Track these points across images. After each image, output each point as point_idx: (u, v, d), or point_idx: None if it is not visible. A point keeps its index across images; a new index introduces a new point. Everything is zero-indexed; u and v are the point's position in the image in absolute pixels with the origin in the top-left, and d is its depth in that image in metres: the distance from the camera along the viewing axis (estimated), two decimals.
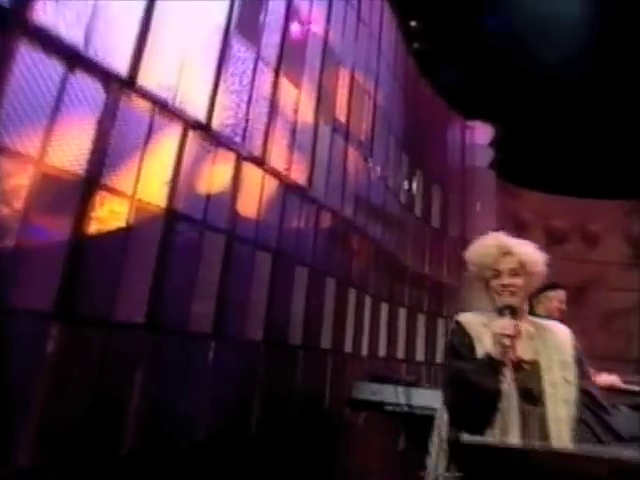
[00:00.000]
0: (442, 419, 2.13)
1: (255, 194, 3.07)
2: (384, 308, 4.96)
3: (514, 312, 1.74)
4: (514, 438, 1.64)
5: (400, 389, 2.89)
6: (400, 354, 5.17)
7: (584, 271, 7.61)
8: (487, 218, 6.89)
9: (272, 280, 3.15)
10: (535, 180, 7.77)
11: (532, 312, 3.28)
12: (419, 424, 3.00)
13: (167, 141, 2.51)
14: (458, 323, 2.03)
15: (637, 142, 7.13)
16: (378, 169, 4.62)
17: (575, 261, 7.61)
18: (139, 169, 2.33)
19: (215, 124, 2.82)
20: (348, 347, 4.04)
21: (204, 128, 2.76)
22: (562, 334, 1.83)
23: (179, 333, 2.56)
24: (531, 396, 1.69)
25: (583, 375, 1.71)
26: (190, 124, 2.67)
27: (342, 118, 4.19)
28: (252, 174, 3.09)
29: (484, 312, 2.03)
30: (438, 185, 6.16)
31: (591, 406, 1.72)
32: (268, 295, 3.08)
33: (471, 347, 1.85)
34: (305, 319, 3.41)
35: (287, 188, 3.43)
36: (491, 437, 1.69)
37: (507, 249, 1.91)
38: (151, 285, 2.40)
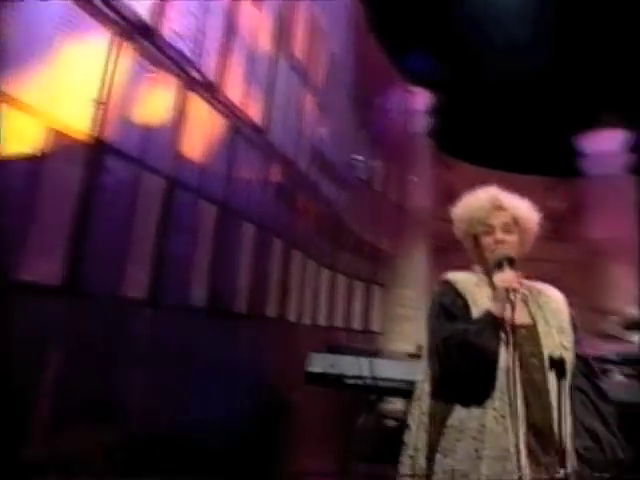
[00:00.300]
0: (423, 390, 1.88)
1: (202, 130, 2.53)
2: (325, 274, 4.68)
3: (513, 264, 1.57)
4: (519, 408, 1.49)
5: (363, 360, 2.63)
6: (339, 323, 4.96)
7: None
8: (423, 187, 6.81)
9: (216, 237, 2.69)
10: (466, 152, 7.84)
11: None
12: (384, 397, 2.80)
13: (95, 45, 1.91)
14: (447, 282, 1.75)
15: (563, 120, 7.41)
16: (331, 122, 4.23)
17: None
18: (54, 77, 1.73)
19: (161, 30, 2.22)
20: (293, 316, 3.72)
21: (146, 34, 2.16)
22: (557, 298, 1.71)
23: (105, 299, 2.04)
24: (531, 363, 1.54)
25: (578, 341, 1.59)
26: (128, 27, 2.07)
27: (301, 57, 3.70)
28: (201, 105, 2.55)
29: (472, 272, 1.76)
30: (381, 148, 5.92)
31: (585, 372, 1.62)
32: (212, 255, 2.63)
33: (466, 308, 1.65)
34: (251, 284, 3.01)
35: (240, 127, 2.93)
36: (491, 409, 1.51)
37: (500, 203, 1.73)
38: (69, 236, 1.86)
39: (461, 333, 1.53)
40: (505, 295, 1.54)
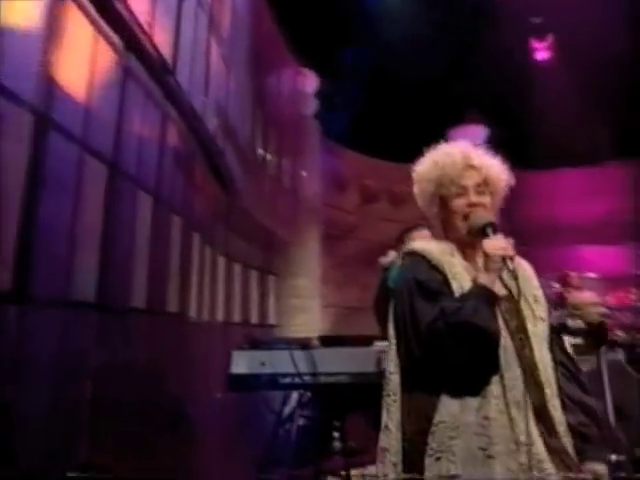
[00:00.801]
0: (395, 383, 1.58)
1: (86, 56, 1.84)
2: (221, 263, 4.12)
3: (496, 230, 1.43)
4: (517, 393, 1.34)
5: (299, 354, 2.20)
6: (237, 317, 4.43)
7: (392, 230, 8.03)
8: (315, 173, 6.57)
9: (108, 206, 2.01)
10: (351, 140, 7.81)
11: None
12: (329, 395, 2.41)
13: None
14: (417, 254, 1.55)
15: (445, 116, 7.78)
16: (234, 84, 3.65)
17: (386, 220, 7.99)
18: None
19: None
20: (193, 310, 3.12)
21: None
22: (525, 265, 1.60)
23: None
24: (518, 338, 1.41)
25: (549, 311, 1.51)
26: None
27: None
28: (81, 20, 1.79)
29: (440, 241, 1.59)
30: (274, 128, 5.50)
31: (559, 343, 1.56)
32: (102, 231, 1.95)
33: (446, 284, 1.47)
34: (149, 271, 2.36)
35: (137, 66, 2.24)
36: (492, 398, 1.35)
37: (473, 161, 1.57)
38: None
39: (453, 314, 1.32)
40: (500, 264, 1.36)
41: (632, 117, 6.90)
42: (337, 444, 2.71)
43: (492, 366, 1.34)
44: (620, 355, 2.79)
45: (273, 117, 5.60)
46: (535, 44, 8.95)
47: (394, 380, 1.53)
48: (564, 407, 1.41)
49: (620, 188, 7.37)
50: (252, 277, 5.03)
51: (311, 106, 6.93)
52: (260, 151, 4.80)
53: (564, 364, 1.55)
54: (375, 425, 1.54)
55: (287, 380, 2.11)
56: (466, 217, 1.49)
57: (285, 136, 5.88)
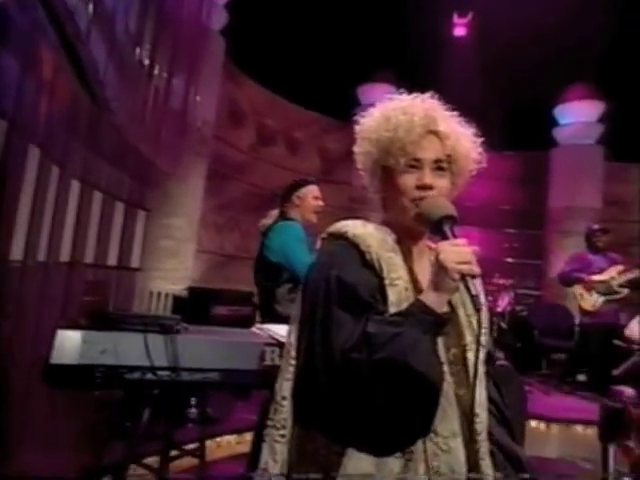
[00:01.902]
0: (287, 413, 1.18)
1: None
2: (75, 188, 3.22)
3: (454, 225, 1.07)
4: (454, 457, 1.03)
5: (155, 339, 1.60)
6: (89, 257, 3.58)
7: (282, 177, 7.49)
8: (210, 98, 5.65)
9: None
10: (259, 71, 6.95)
11: (286, 218, 2.50)
12: (186, 398, 1.83)
13: None
14: (344, 238, 1.14)
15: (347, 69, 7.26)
16: None
17: (278, 166, 7.42)
18: None
19: None
20: (19, 250, 2.27)
21: None
22: None
23: None
24: (457, 370, 1.10)
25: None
26: None
27: None
28: None
29: (377, 226, 1.19)
30: (169, 35, 4.44)
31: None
32: None
33: (381, 292, 1.08)
34: None
35: None
36: (420, 459, 1.00)
37: (438, 126, 1.18)
38: None
39: (383, 345, 0.94)
40: (458, 284, 1.00)
41: (532, 108, 7.13)
42: (193, 411, 2.30)
43: (424, 419, 1.00)
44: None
45: (170, 21, 4.54)
46: (456, 20, 8.83)
47: (286, 408, 1.09)
48: (493, 459, 1.09)
49: (508, 177, 7.72)
50: (117, 210, 4.14)
51: (220, 19, 5.88)
52: (145, 59, 3.80)
53: (495, 402, 1.21)
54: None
55: (135, 376, 1.53)
56: (415, 202, 1.11)
57: (181, 48, 4.85)
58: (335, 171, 7.88)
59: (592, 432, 4.12)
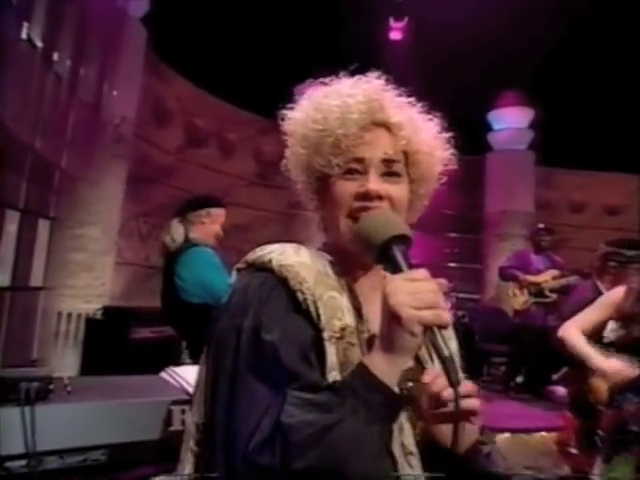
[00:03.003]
0: None
1: None
2: None
3: (408, 248, 0.77)
4: None
5: (5, 414, 1.13)
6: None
7: (216, 182, 7.01)
8: (130, 91, 5.06)
9: None
10: (188, 67, 6.42)
11: (190, 241, 2.15)
12: None
13: None
14: (269, 270, 0.82)
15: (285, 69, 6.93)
16: None
17: (210, 170, 6.91)
18: None
19: None
20: None
21: None
22: None
23: None
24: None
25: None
26: None
27: None
28: None
29: (312, 250, 0.89)
30: (72, 15, 3.85)
31: None
32: None
33: (317, 347, 0.76)
34: None
35: None
36: None
37: (386, 113, 0.88)
38: None
39: (301, 448, 0.64)
40: (419, 340, 0.69)
41: (469, 113, 7.13)
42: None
43: None
44: None
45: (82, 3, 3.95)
46: (392, 23, 8.80)
47: None
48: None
49: (448, 181, 7.66)
50: (11, 220, 3.51)
51: (141, 6, 5.30)
52: (37, 40, 3.20)
53: None
54: None
55: (16, 466, 1.05)
56: (353, 217, 0.84)
57: (90, 33, 4.25)
58: (272, 175, 7.46)
59: (537, 440, 4.09)
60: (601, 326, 2.27)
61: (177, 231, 2.32)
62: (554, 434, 3.49)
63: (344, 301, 0.78)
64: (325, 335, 0.73)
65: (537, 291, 4.98)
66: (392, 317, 0.65)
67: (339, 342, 0.74)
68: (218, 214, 2.41)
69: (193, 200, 2.42)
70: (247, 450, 0.65)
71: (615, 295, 2.24)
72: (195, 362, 1.96)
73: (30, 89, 3.03)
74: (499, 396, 5.21)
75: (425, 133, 0.88)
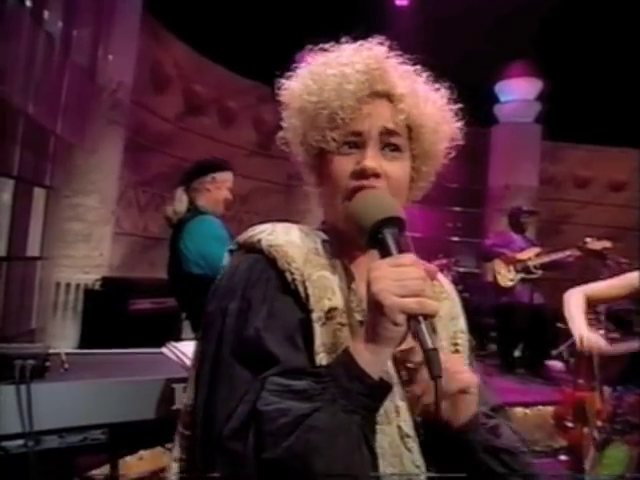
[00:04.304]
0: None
1: None
2: None
3: (402, 232, 0.72)
4: None
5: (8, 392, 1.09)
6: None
7: (214, 151, 6.85)
8: (126, 55, 4.88)
9: None
10: (187, 31, 6.20)
11: (196, 208, 2.08)
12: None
13: None
14: (257, 250, 0.79)
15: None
16: None
17: (209, 138, 6.76)
18: None
19: None
20: None
21: None
22: (449, 289, 0.97)
23: None
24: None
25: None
26: None
27: None
28: None
29: (304, 228, 0.85)
30: None
31: None
32: None
33: (305, 329, 0.73)
34: None
35: None
36: None
37: (383, 83, 0.81)
38: None
39: (274, 437, 0.61)
40: (403, 329, 0.64)
41: (475, 84, 6.94)
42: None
43: None
44: None
45: None
46: None
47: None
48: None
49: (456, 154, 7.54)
50: (5, 189, 3.41)
51: None
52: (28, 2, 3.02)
53: None
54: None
55: (14, 446, 1.01)
56: (348, 197, 0.79)
57: None
58: (272, 144, 7.26)
59: (533, 413, 4.15)
60: (610, 300, 2.24)
61: (180, 201, 2.25)
62: (550, 408, 3.51)
63: (336, 280, 0.75)
64: (314, 316, 0.71)
65: (523, 268, 4.98)
66: (374, 305, 0.62)
67: (329, 323, 0.71)
68: (224, 179, 2.31)
69: (196, 166, 2.32)
70: (221, 436, 0.64)
71: (634, 276, 2.19)
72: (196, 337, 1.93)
73: (20, 50, 2.89)
74: (497, 371, 5.25)
75: (430, 106, 0.82)
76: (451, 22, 6.58)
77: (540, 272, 4.91)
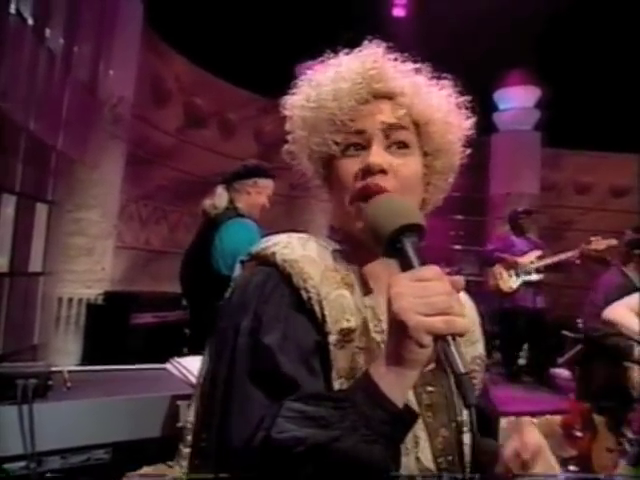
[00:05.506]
0: None
1: None
2: None
3: (422, 238, 0.65)
4: None
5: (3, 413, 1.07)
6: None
7: (215, 163, 6.87)
8: (126, 69, 4.91)
9: None
10: (187, 44, 6.24)
11: (236, 210, 2.09)
12: None
13: None
14: (272, 264, 0.74)
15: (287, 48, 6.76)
16: None
17: (210, 151, 6.78)
18: None
19: None
20: None
21: None
22: (470, 307, 0.97)
23: None
24: (441, 438, 0.73)
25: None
26: None
27: None
28: None
29: (319, 239, 0.80)
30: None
31: None
32: None
33: (321, 352, 0.68)
34: None
35: None
36: None
37: (383, 82, 0.79)
38: None
39: (289, 468, 0.57)
40: (429, 350, 0.58)
41: (475, 92, 6.97)
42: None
43: None
44: None
45: None
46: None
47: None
48: None
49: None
50: (7, 204, 3.41)
51: None
52: (27, 15, 3.06)
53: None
54: None
55: (16, 468, 0.99)
56: (357, 201, 0.75)
57: (84, 9, 4.09)
58: (273, 156, 7.31)
59: (541, 423, 4.09)
60: None
61: (220, 197, 2.24)
62: (558, 417, 3.47)
63: (355, 300, 0.70)
64: (331, 339, 0.67)
65: (525, 271, 4.91)
66: (397, 325, 0.56)
67: (347, 346, 0.67)
68: (265, 185, 2.30)
69: (242, 168, 2.32)
70: (237, 463, 0.61)
71: None
72: (198, 352, 1.90)
73: (22, 66, 2.90)
74: (503, 379, 5.19)
75: (436, 98, 0.79)
76: (449, 31, 6.62)
77: (542, 275, 4.87)
